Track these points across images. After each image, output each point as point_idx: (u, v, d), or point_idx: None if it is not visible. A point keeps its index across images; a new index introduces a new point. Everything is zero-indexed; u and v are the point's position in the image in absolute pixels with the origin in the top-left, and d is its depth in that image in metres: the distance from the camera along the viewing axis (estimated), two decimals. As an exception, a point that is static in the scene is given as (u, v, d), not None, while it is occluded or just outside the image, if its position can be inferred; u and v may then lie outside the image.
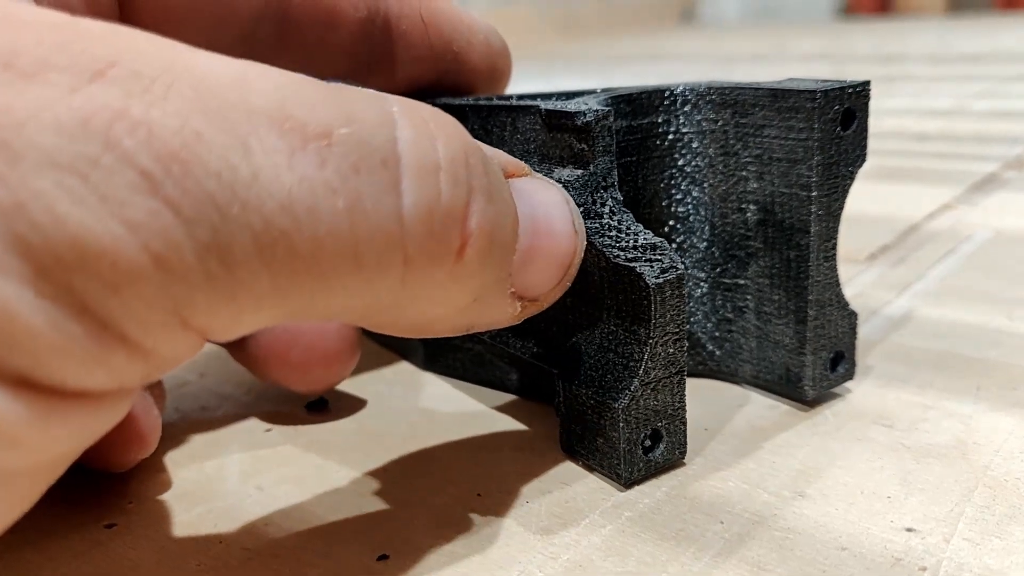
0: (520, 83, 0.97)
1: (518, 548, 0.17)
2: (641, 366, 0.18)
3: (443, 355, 0.25)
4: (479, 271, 0.14)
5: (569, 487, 0.19)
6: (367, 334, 0.26)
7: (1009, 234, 0.35)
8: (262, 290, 0.12)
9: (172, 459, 0.21)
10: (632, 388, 0.18)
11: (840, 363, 0.22)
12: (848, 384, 0.23)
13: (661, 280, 0.17)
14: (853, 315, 0.22)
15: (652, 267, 0.17)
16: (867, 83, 0.20)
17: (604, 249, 0.18)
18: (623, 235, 0.18)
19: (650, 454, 0.19)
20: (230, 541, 0.18)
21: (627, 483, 0.19)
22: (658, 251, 0.18)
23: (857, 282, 0.31)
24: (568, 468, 0.20)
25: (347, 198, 0.12)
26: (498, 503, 0.18)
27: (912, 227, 0.37)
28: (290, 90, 0.12)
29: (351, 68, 0.23)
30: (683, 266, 0.18)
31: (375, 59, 0.22)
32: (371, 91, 0.14)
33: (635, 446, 0.18)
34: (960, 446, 0.19)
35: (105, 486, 0.20)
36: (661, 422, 0.19)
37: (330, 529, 0.18)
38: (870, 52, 1.17)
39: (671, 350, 0.18)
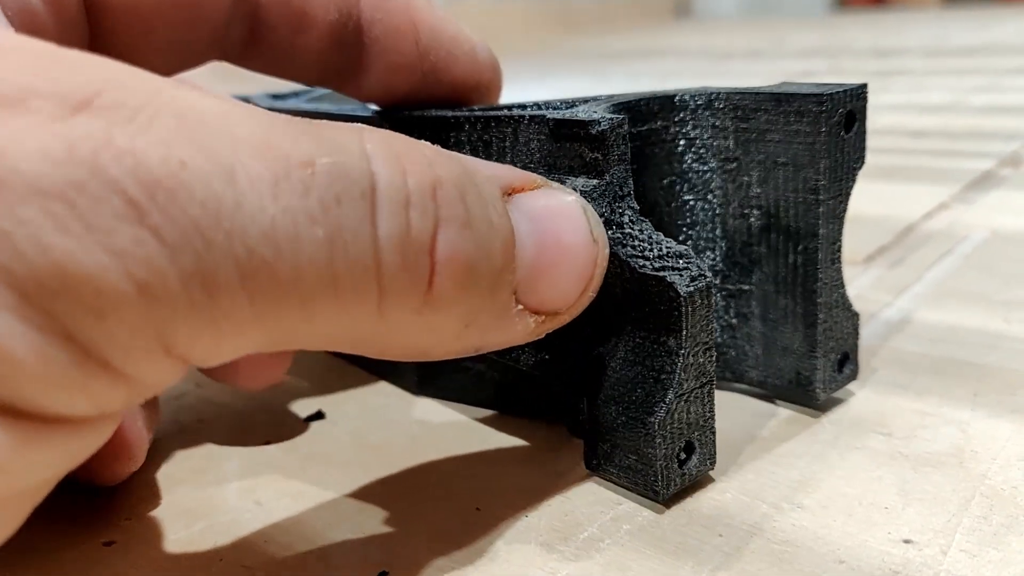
0: (516, 81, 0.97)
1: (518, 564, 0.17)
2: (674, 378, 0.18)
3: (436, 378, 0.24)
4: (459, 299, 0.14)
5: (569, 500, 0.19)
6: (354, 359, 0.26)
7: (1005, 234, 0.35)
8: (244, 317, 0.12)
9: (170, 474, 0.21)
10: (667, 401, 0.18)
11: (846, 364, 0.22)
12: (847, 391, 0.23)
13: (692, 289, 0.17)
14: (856, 316, 0.22)
15: (682, 276, 0.17)
16: (864, 85, 0.20)
17: (628, 259, 0.18)
18: (647, 244, 0.18)
19: (684, 467, 0.18)
20: (229, 558, 0.18)
21: (664, 499, 0.18)
22: (684, 259, 0.18)
23: (856, 284, 0.31)
24: (567, 481, 0.20)
25: (327, 228, 0.12)
26: (498, 517, 0.18)
27: (909, 227, 0.37)
28: (272, 123, 0.13)
29: (323, 73, 0.22)
30: (710, 274, 0.17)
31: (348, 65, 0.22)
32: (348, 124, 0.14)
33: (671, 460, 0.18)
34: (958, 454, 0.19)
35: (103, 502, 0.20)
36: (694, 433, 0.18)
37: (329, 545, 0.18)
38: (866, 46, 1.17)
39: (701, 360, 0.18)
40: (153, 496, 0.20)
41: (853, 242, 0.35)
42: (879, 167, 0.49)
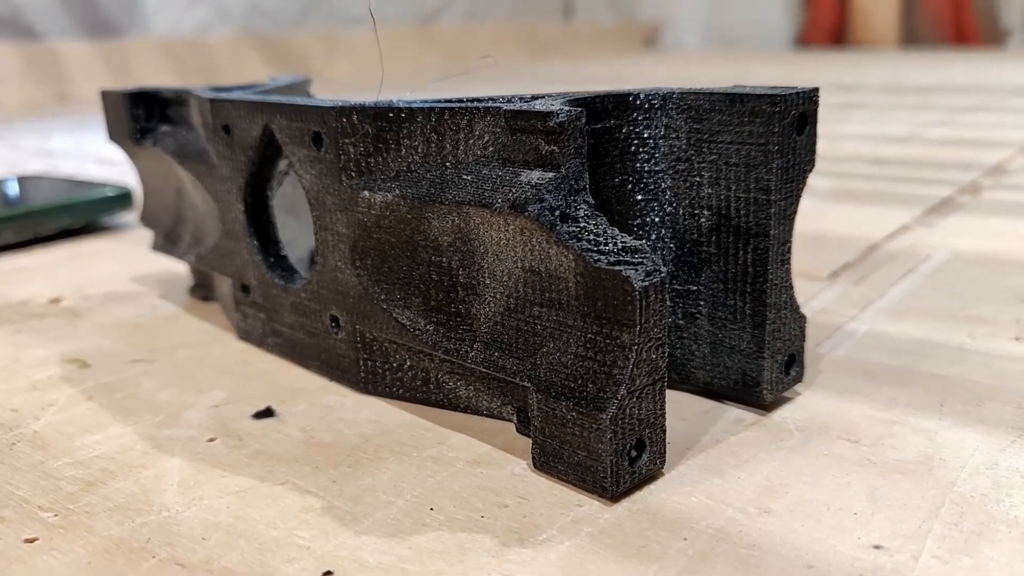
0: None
1: (471, 565, 0.16)
2: (627, 373, 0.17)
3: (383, 376, 0.23)
4: None
5: (527, 502, 0.18)
6: (304, 358, 0.25)
7: (966, 255, 0.35)
8: None
9: (105, 468, 0.20)
10: (619, 397, 0.17)
11: (792, 366, 0.22)
12: (813, 399, 0.22)
13: (647, 283, 0.17)
14: (803, 318, 0.22)
15: (636, 271, 0.17)
16: (816, 89, 0.20)
17: (583, 253, 0.17)
18: (602, 239, 0.17)
19: (635, 464, 0.18)
20: (163, 556, 0.16)
21: (613, 496, 0.18)
22: (639, 254, 0.17)
23: (821, 298, 0.30)
24: (526, 481, 0.19)
25: None
26: (451, 518, 0.17)
27: (872, 247, 0.37)
28: None
29: None
30: (664, 269, 0.17)
31: None
32: None
33: (621, 457, 0.17)
34: (926, 462, 0.19)
35: (25, 496, 0.19)
36: (645, 431, 0.18)
37: (272, 544, 0.17)
38: (828, 81, 1.19)
39: (654, 356, 0.17)
40: (83, 491, 0.19)
41: (818, 259, 0.34)
42: (843, 190, 0.49)
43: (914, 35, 2.06)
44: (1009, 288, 0.31)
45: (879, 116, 0.81)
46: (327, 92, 1.08)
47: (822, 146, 0.65)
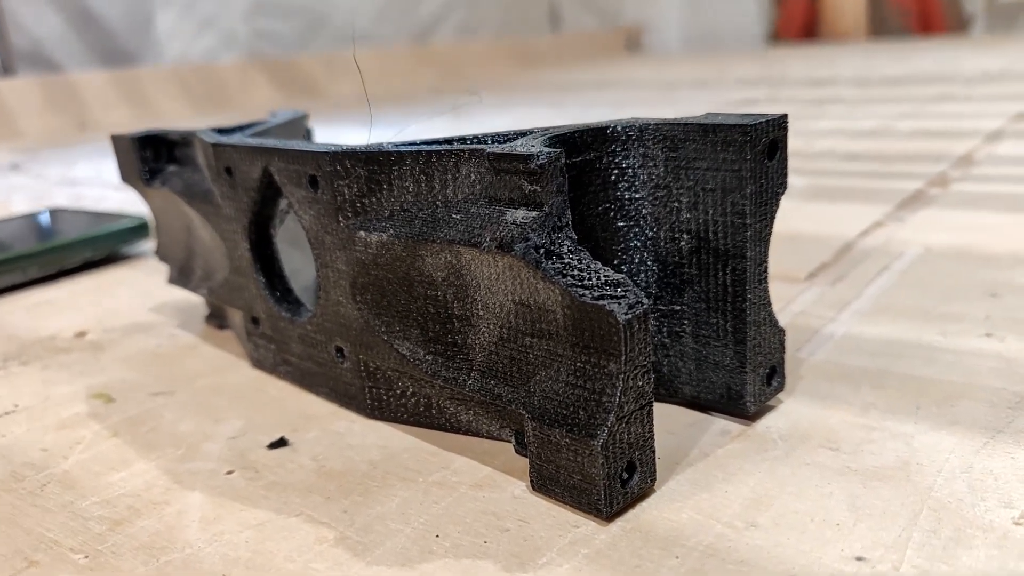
0: (482, 111, 0.95)
1: (476, 592, 0.16)
2: (615, 400, 0.17)
3: (388, 403, 0.23)
4: None
5: (527, 525, 0.18)
6: (313, 386, 0.25)
7: (937, 250, 0.35)
8: None
9: (131, 506, 0.20)
10: (609, 423, 0.17)
11: (774, 377, 0.22)
12: (795, 406, 0.22)
13: (630, 316, 0.16)
14: (782, 331, 0.21)
15: (620, 304, 0.17)
16: (785, 116, 0.20)
17: (569, 289, 0.17)
18: (586, 274, 0.17)
19: (627, 485, 0.18)
20: (186, 595, 0.16)
21: (608, 516, 0.18)
22: (621, 288, 0.17)
23: (800, 301, 0.30)
24: (525, 504, 0.19)
25: None
26: (456, 544, 0.17)
27: (847, 245, 0.37)
28: None
29: None
30: (647, 300, 0.17)
31: None
32: None
33: (614, 480, 0.17)
34: (904, 467, 0.19)
35: (56, 539, 0.19)
36: (635, 453, 0.18)
37: (288, 578, 0.17)
38: (801, 76, 1.18)
39: (640, 382, 0.17)
40: (111, 531, 0.19)
41: (795, 260, 0.34)
42: (816, 188, 0.49)
43: (882, 26, 2.04)
44: (979, 283, 0.31)
45: (851, 111, 0.81)
46: (332, 111, 1.07)
47: (797, 143, 0.64)
